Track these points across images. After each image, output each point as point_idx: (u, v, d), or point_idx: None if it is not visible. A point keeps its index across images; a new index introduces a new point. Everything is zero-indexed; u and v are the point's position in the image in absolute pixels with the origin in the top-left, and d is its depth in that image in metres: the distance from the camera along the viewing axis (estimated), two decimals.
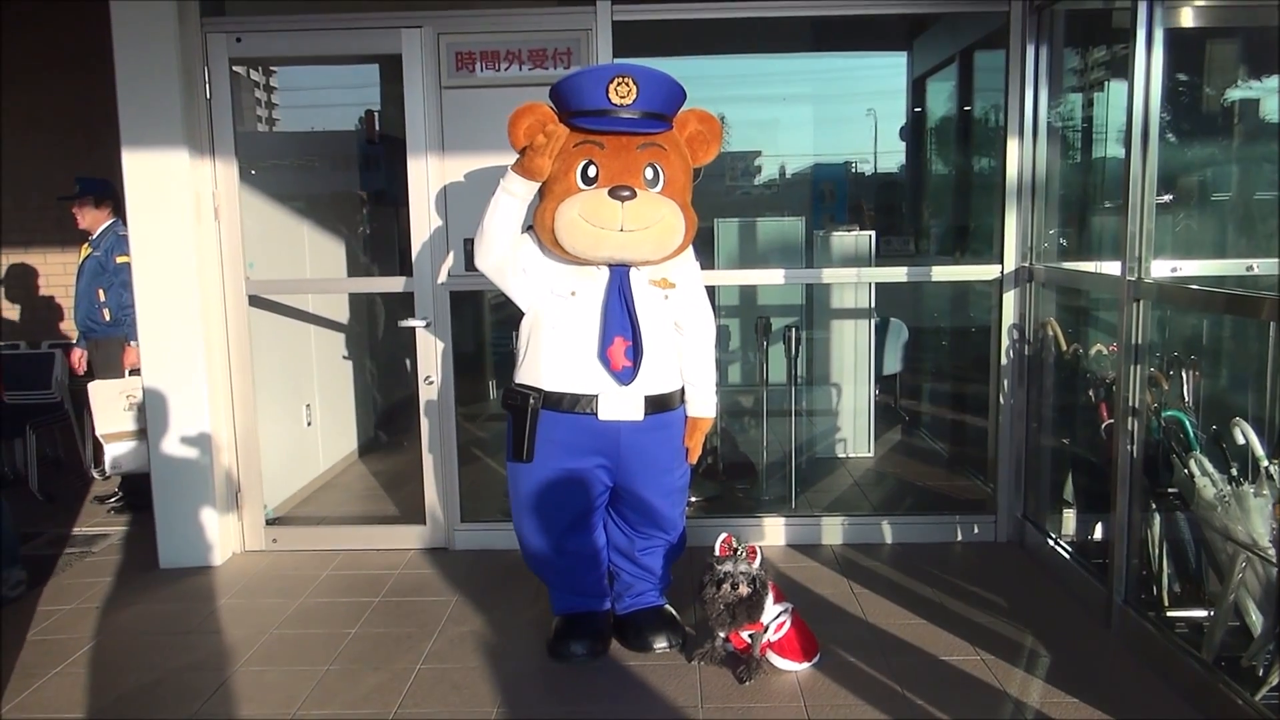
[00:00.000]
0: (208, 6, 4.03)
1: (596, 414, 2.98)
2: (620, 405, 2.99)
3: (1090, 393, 3.64)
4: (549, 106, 2.95)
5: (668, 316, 3.05)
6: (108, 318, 4.91)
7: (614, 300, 2.94)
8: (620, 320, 2.94)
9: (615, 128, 2.86)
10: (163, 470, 4.13)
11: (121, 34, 3.86)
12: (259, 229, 4.61)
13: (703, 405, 3.14)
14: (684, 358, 3.11)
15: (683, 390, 3.13)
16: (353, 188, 6.11)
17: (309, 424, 5.25)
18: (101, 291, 4.96)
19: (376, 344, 6.18)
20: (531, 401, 3.05)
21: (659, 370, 3.02)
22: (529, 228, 3.06)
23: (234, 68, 4.77)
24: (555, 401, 3.02)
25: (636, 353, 2.94)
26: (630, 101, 2.82)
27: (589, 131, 2.88)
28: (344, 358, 5.88)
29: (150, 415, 4.10)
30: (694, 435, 3.14)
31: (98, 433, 4.72)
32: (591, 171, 2.89)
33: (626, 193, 2.80)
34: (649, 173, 2.91)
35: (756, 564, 2.99)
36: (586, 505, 3.12)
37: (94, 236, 5.05)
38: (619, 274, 2.94)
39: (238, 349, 4.24)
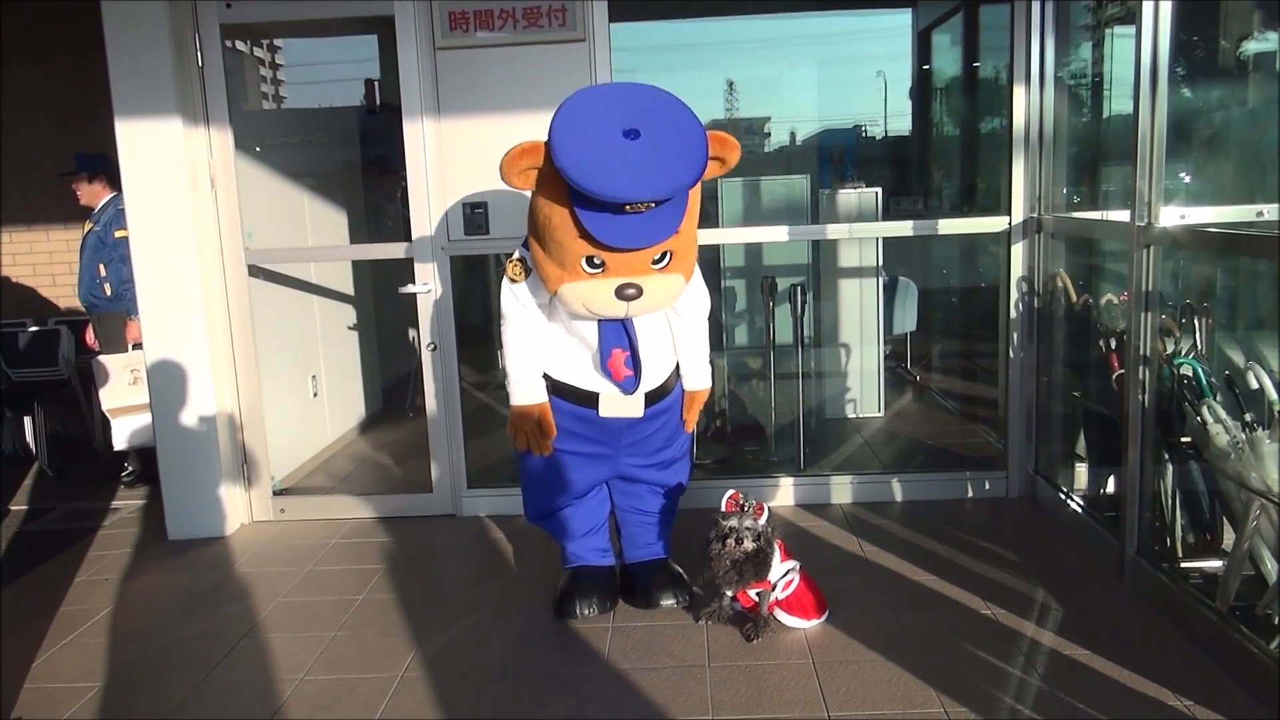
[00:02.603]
0: None
1: (597, 410, 3.00)
2: (621, 405, 3.00)
3: (1101, 344, 3.58)
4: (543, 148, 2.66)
5: (665, 312, 3.02)
6: (109, 292, 4.90)
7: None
8: (617, 333, 2.90)
9: (626, 245, 2.59)
10: (169, 443, 4.12)
11: (110, 4, 3.81)
12: (260, 202, 4.59)
13: (698, 378, 3.14)
14: (678, 336, 3.08)
15: (678, 367, 3.12)
16: (355, 158, 6.06)
17: (315, 395, 5.24)
18: (102, 266, 4.94)
19: (383, 313, 6.15)
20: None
21: (658, 366, 3.02)
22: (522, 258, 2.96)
23: (237, 44, 4.73)
24: (562, 391, 3.04)
25: (636, 362, 2.92)
26: (649, 209, 2.53)
27: (594, 243, 2.62)
28: (350, 328, 5.86)
29: (153, 388, 4.09)
30: (692, 409, 3.15)
31: (104, 408, 4.72)
32: (597, 261, 2.68)
33: (631, 291, 2.68)
34: (659, 257, 2.72)
35: (763, 520, 2.96)
36: (588, 483, 3.17)
37: (94, 212, 5.02)
38: None
39: (239, 319, 4.21)
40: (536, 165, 2.67)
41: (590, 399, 2.99)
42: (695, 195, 2.76)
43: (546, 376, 3.03)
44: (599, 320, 2.88)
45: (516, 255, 2.97)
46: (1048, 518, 3.93)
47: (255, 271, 4.31)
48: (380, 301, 6.10)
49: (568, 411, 3.03)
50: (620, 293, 2.67)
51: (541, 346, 3.01)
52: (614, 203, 2.49)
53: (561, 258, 2.72)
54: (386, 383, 6.34)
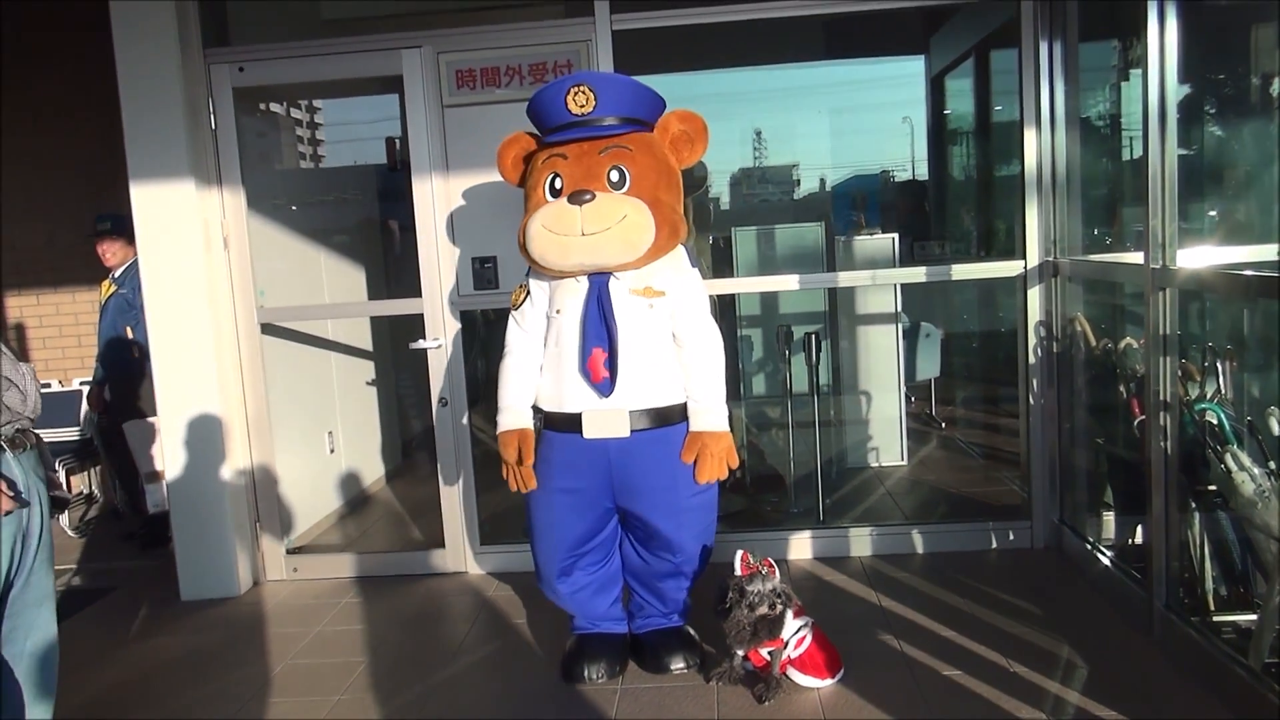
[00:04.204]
0: (211, 37, 4.05)
1: (582, 433, 2.92)
2: (604, 423, 2.90)
3: (1122, 389, 3.49)
4: (529, 135, 3.04)
5: (656, 327, 2.92)
6: (137, 355, 4.91)
7: (592, 310, 2.87)
8: (597, 330, 2.86)
9: (574, 136, 2.86)
10: (181, 502, 4.12)
11: (126, 68, 3.89)
12: (277, 260, 4.64)
13: (704, 417, 2.95)
14: (683, 367, 2.98)
15: (684, 407, 2.99)
16: (374, 215, 6.12)
17: (332, 451, 5.24)
18: (129, 330, 4.98)
19: (403, 367, 6.16)
20: (535, 423, 3.03)
21: (645, 383, 2.91)
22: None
23: (273, 106, 4.83)
24: (552, 421, 2.99)
25: (614, 363, 2.85)
26: (590, 109, 2.83)
27: (553, 145, 2.90)
28: (368, 383, 5.87)
29: (167, 447, 4.10)
30: (691, 450, 2.94)
31: (154, 468, 4.69)
32: (558, 184, 2.89)
33: (587, 196, 2.78)
34: (613, 175, 2.86)
35: (777, 578, 2.88)
36: (589, 528, 3.04)
37: (118, 273, 5.07)
38: (598, 284, 2.88)
39: (252, 378, 4.22)
40: (526, 149, 3.02)
41: (576, 422, 2.92)
42: (660, 164, 2.91)
43: (539, 411, 3.03)
44: (582, 315, 2.87)
45: (519, 284, 3.11)
46: (1074, 569, 3.81)
47: (270, 329, 4.34)
48: (400, 356, 6.12)
49: (559, 443, 2.98)
50: (573, 198, 2.78)
51: (534, 376, 3.05)
52: (559, 99, 2.83)
53: (534, 200, 2.92)
54: (407, 437, 6.33)
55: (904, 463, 5.46)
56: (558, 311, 2.95)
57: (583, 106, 2.81)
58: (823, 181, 6.91)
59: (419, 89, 3.98)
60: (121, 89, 3.90)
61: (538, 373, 3.06)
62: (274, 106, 5.32)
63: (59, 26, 5.77)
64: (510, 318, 3.12)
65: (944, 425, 6.22)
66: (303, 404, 4.88)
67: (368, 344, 5.85)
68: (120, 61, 3.88)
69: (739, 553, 2.96)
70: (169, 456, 4.10)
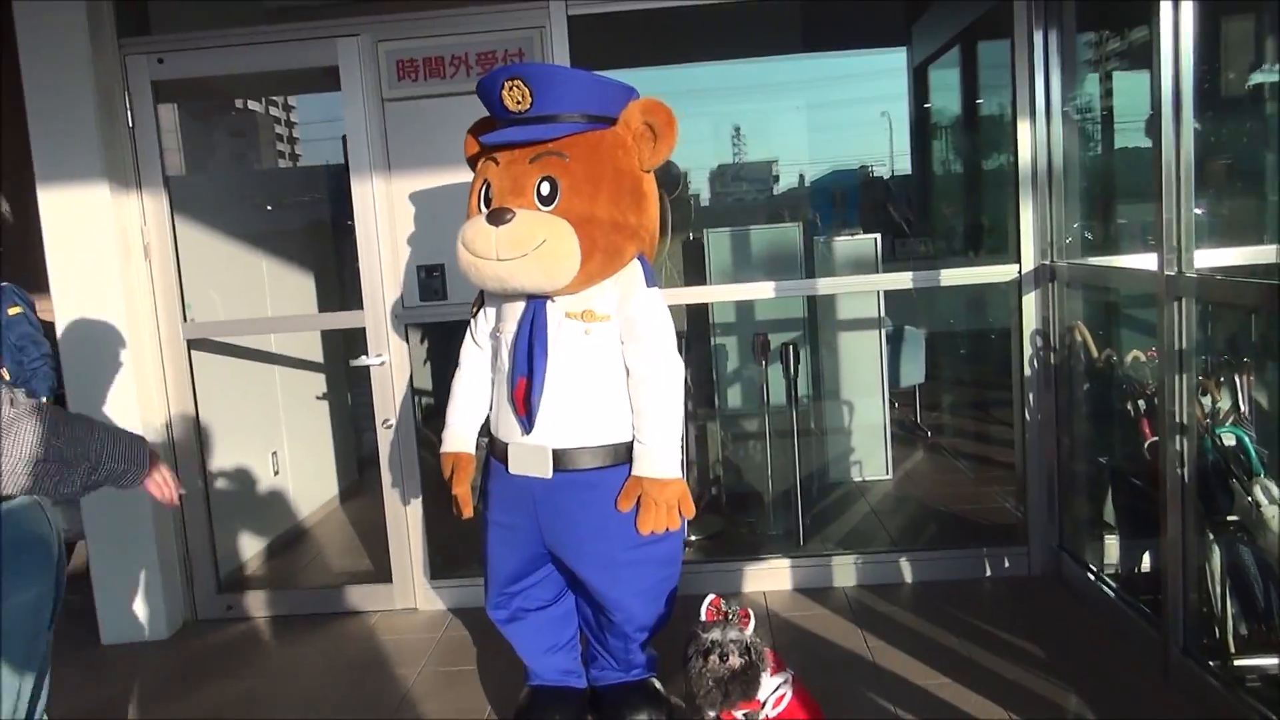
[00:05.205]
0: (126, 26, 3.67)
1: (508, 467, 2.60)
2: (526, 459, 2.57)
3: (1129, 407, 3.18)
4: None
5: (595, 355, 2.55)
6: (7, 377, 4.44)
7: (522, 336, 2.54)
8: (523, 358, 2.52)
9: (508, 139, 2.51)
10: (99, 537, 3.74)
11: (29, 60, 3.51)
12: (213, 271, 4.27)
13: (646, 464, 2.54)
14: (632, 407, 2.59)
15: (631, 446, 2.60)
16: (325, 219, 5.74)
17: (276, 473, 4.87)
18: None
19: (357, 380, 5.77)
20: (482, 445, 2.76)
21: (574, 419, 2.55)
22: None
23: (251, 105, 4.45)
24: (492, 446, 2.70)
25: (533, 396, 2.51)
26: (526, 107, 2.45)
27: (488, 147, 2.56)
28: (319, 398, 5.50)
29: None
30: (629, 496, 2.55)
31: None
32: (490, 193, 2.55)
33: (508, 216, 2.42)
34: (543, 188, 2.48)
35: (750, 630, 2.55)
36: (521, 567, 2.72)
37: None
38: (534, 306, 2.53)
39: (178, 398, 3.85)
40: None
41: (506, 454, 2.62)
42: (605, 169, 2.51)
43: (488, 432, 2.74)
44: (514, 339, 2.56)
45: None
46: (1075, 600, 3.50)
47: (205, 344, 3.98)
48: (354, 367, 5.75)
49: (495, 472, 2.70)
50: (491, 217, 2.44)
51: (484, 393, 2.76)
52: (494, 94, 2.48)
53: (469, 209, 2.63)
54: (363, 454, 5.96)
55: (888, 476, 5.15)
56: (499, 331, 2.64)
57: (519, 104, 2.45)
58: (801, 179, 6.60)
59: (356, 81, 3.62)
60: (25, 82, 3.52)
61: (489, 390, 2.75)
62: (250, 104, 4.96)
63: None
64: (467, 328, 2.82)
65: (930, 434, 5.92)
66: (242, 424, 4.51)
67: (318, 355, 5.48)
68: (23, 52, 3.50)
69: (709, 598, 2.62)
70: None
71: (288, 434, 5.00)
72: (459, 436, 2.76)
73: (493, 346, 2.70)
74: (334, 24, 3.61)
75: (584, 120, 2.50)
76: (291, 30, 3.65)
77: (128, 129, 3.68)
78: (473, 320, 2.76)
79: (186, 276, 3.91)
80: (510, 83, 2.45)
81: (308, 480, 5.19)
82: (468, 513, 2.76)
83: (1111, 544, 3.55)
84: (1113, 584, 3.35)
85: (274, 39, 3.65)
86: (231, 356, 4.44)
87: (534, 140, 2.48)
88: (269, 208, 5.48)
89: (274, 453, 4.86)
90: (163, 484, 2.05)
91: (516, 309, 2.58)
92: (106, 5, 3.60)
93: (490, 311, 2.70)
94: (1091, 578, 3.43)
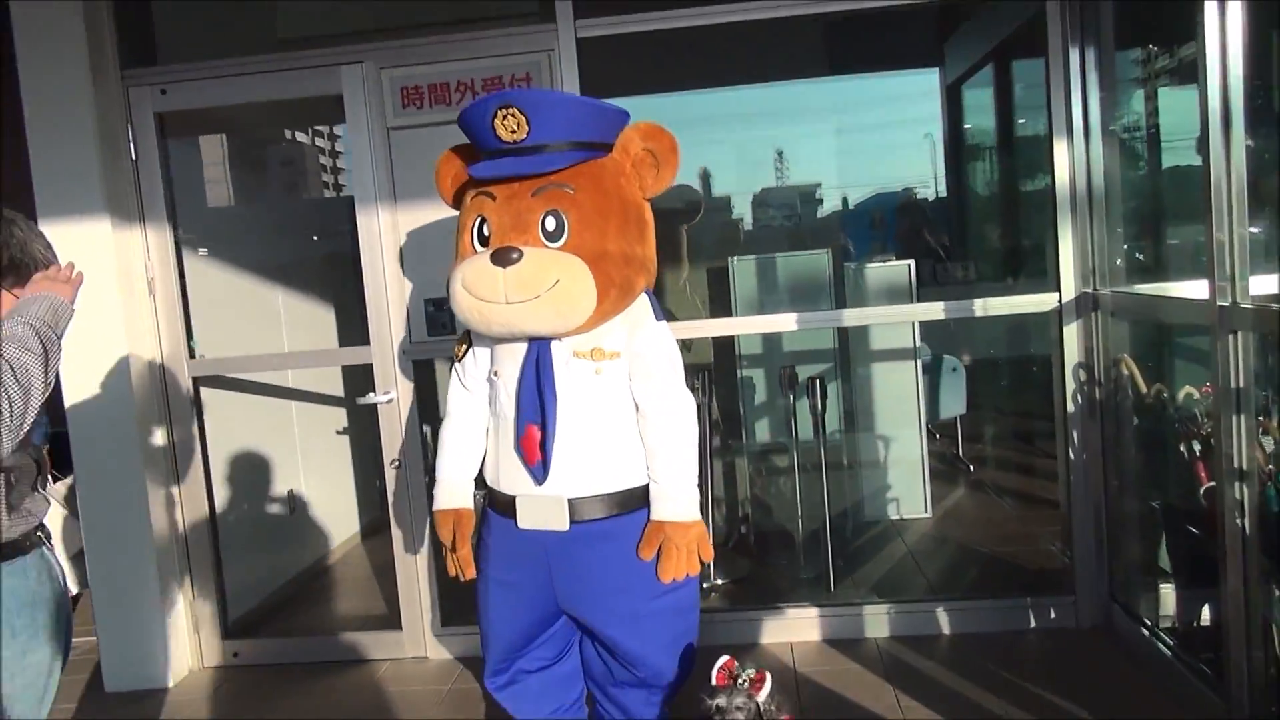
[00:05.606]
0: (131, 57, 3.61)
1: (516, 520, 2.40)
2: (539, 511, 2.37)
3: (1183, 448, 2.93)
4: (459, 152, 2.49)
5: (607, 396, 2.38)
6: None
7: (528, 378, 2.34)
8: (531, 402, 2.33)
9: (503, 172, 2.30)
10: (103, 582, 3.63)
11: (31, 92, 3.46)
12: (223, 306, 4.19)
13: (667, 507, 2.39)
14: (645, 447, 2.42)
15: (646, 489, 2.43)
16: (346, 251, 5.65)
17: (292, 511, 4.75)
18: None
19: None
20: (477, 498, 2.54)
21: (590, 465, 2.37)
22: None
23: (299, 136, 4.40)
24: (492, 499, 2.50)
25: (548, 443, 2.33)
26: (522, 136, 2.25)
27: (478, 181, 2.35)
28: (339, 432, 5.39)
29: (85, 522, 3.61)
30: (652, 543, 2.38)
31: None
32: (486, 230, 2.35)
33: (514, 255, 2.21)
34: (549, 223, 2.29)
35: (764, 695, 2.33)
36: (528, 629, 2.51)
37: None
38: (537, 346, 2.34)
39: (182, 439, 3.75)
40: (454, 168, 2.50)
41: (513, 507, 2.41)
42: (611, 200, 2.34)
43: (483, 483, 2.53)
44: (518, 383, 2.37)
45: (460, 332, 2.58)
46: (1127, 657, 3.24)
47: (219, 380, 3.89)
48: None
49: (497, 526, 2.48)
50: (496, 258, 2.23)
51: (477, 443, 2.54)
52: (485, 122, 2.28)
53: (461, 246, 2.41)
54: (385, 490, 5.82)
55: (927, 514, 4.90)
56: (496, 374, 2.45)
57: (513, 133, 2.25)
58: (831, 204, 6.38)
59: (361, 109, 3.51)
60: (27, 113, 3.47)
61: (483, 438, 2.56)
62: (298, 135, 4.91)
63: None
64: (453, 372, 2.60)
65: (971, 468, 5.65)
66: (256, 461, 4.41)
67: (338, 389, 5.37)
68: (24, 83, 3.45)
69: (721, 660, 2.42)
70: (89, 532, 3.61)
71: (305, 470, 4.89)
72: (455, 491, 2.55)
73: (489, 391, 2.52)
74: (338, 51, 3.51)
75: (581, 149, 2.34)
76: (295, 59, 3.55)
77: (131, 161, 3.60)
78: (458, 362, 2.57)
79: (200, 312, 3.84)
80: (504, 110, 2.26)
81: (326, 517, 5.06)
82: (470, 574, 2.55)
83: (1167, 594, 3.29)
84: (1169, 640, 3.09)
85: (277, 67, 3.55)
86: (246, 392, 4.35)
87: (536, 173, 2.31)
88: (296, 238, 5.41)
89: (290, 490, 4.74)
90: (68, 281, 2.01)
91: (516, 350, 2.41)
92: (109, 36, 3.54)
93: (481, 352, 2.51)
94: (1145, 632, 3.16)
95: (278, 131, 5.33)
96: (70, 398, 3.57)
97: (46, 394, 1.78)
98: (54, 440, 3.76)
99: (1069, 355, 3.45)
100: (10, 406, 1.67)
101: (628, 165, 2.38)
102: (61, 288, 1.97)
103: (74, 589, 3.46)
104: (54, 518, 3.43)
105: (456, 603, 3.79)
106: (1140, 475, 3.41)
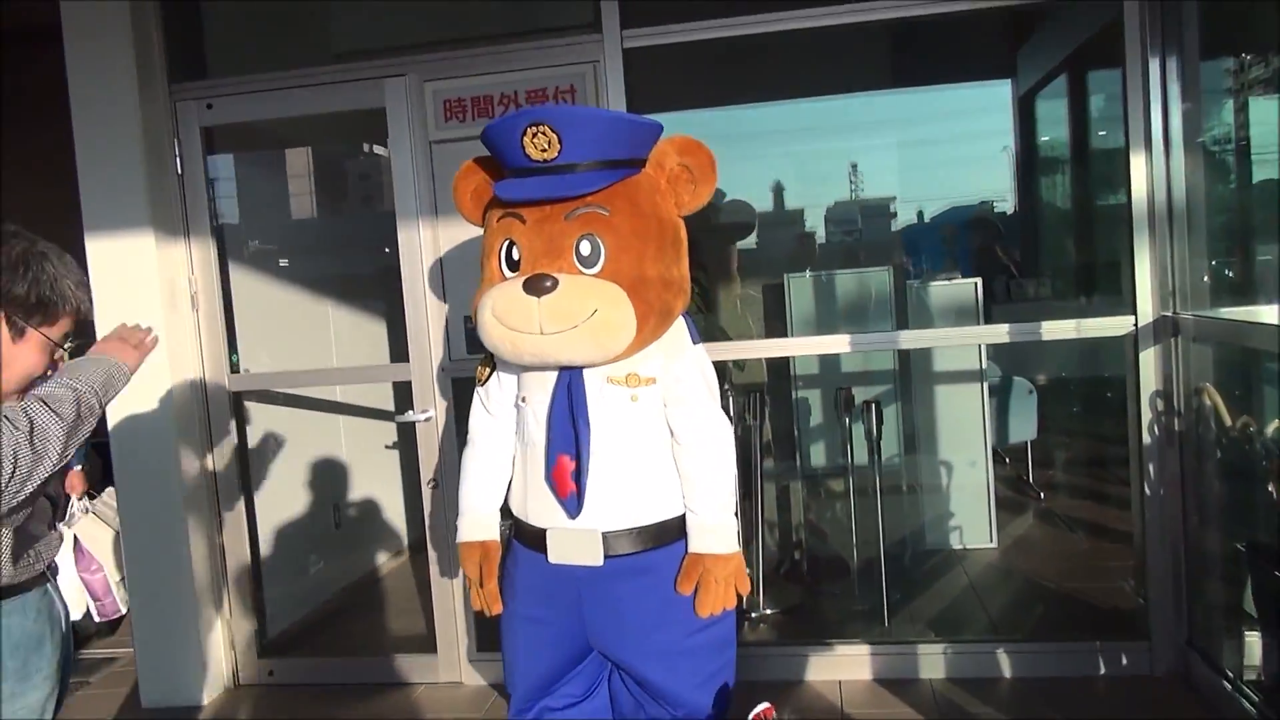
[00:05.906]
0: (179, 71, 3.60)
1: (546, 555, 2.27)
2: (571, 546, 2.24)
3: (1271, 486, 2.69)
4: (481, 163, 2.38)
5: (642, 424, 2.25)
6: None
7: (559, 406, 2.22)
8: (564, 433, 2.20)
9: (532, 195, 2.16)
10: (142, 598, 3.61)
11: (80, 107, 3.47)
12: (271, 320, 4.18)
13: (707, 540, 2.26)
14: (681, 476, 2.29)
15: (682, 520, 2.30)
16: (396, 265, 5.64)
17: (337, 526, 4.71)
18: None
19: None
20: (503, 529, 2.42)
21: (626, 497, 2.24)
22: None
23: (376, 148, 4.49)
24: (519, 532, 2.37)
25: (583, 476, 2.20)
26: (554, 155, 2.12)
27: (504, 203, 2.22)
28: (388, 447, 5.35)
29: (126, 538, 3.60)
30: (690, 577, 2.25)
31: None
32: (515, 254, 2.21)
33: (548, 284, 2.08)
34: (583, 247, 2.15)
35: None
36: (556, 666, 2.38)
37: None
38: (568, 373, 2.22)
39: (223, 452, 3.72)
40: (476, 179, 2.39)
41: (543, 540, 2.29)
42: (648, 221, 2.21)
43: (509, 513, 2.41)
44: (549, 411, 2.24)
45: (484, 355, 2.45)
46: (1206, 710, 2.99)
47: (265, 395, 3.89)
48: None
49: (524, 560, 2.36)
50: (530, 286, 2.09)
51: (503, 471, 2.43)
52: (514, 140, 2.15)
53: (488, 271, 2.29)
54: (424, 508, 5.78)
55: (992, 544, 4.66)
56: (524, 400, 2.33)
57: (544, 151, 2.12)
58: (896, 221, 6.17)
59: (404, 123, 3.45)
60: (75, 128, 3.48)
61: (509, 466, 2.44)
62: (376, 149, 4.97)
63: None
64: (475, 397, 2.49)
65: (1042, 496, 5.38)
66: (300, 476, 4.38)
67: (388, 403, 5.33)
68: (74, 101, 3.47)
69: (759, 707, 2.26)
70: (129, 547, 3.59)
71: (352, 486, 4.85)
72: (482, 523, 2.44)
73: (515, 417, 2.41)
74: (381, 64, 3.46)
75: (613, 167, 2.21)
76: (338, 72, 3.51)
77: (176, 176, 3.60)
78: (481, 387, 2.46)
79: (247, 327, 3.82)
80: (535, 128, 2.13)
81: (371, 533, 5.03)
82: (496, 609, 2.44)
83: (1252, 643, 3.03)
84: (1253, 693, 2.84)
85: (320, 80, 3.52)
86: (293, 407, 4.32)
87: (571, 195, 2.17)
88: (338, 255, 5.41)
89: (335, 505, 4.71)
90: (138, 346, 1.94)
91: (546, 377, 2.29)
92: (158, 51, 3.54)
93: (507, 379, 2.39)
94: (1227, 685, 2.92)
95: (330, 145, 5.31)
96: (112, 412, 3.56)
97: (61, 465, 1.68)
98: (97, 451, 3.79)
99: (1145, 382, 3.22)
100: (15, 468, 1.58)
101: (662, 181, 2.24)
102: (130, 353, 1.92)
103: (123, 609, 3.47)
104: (106, 536, 3.43)
105: (491, 628, 3.67)
106: (1223, 512, 3.16)
